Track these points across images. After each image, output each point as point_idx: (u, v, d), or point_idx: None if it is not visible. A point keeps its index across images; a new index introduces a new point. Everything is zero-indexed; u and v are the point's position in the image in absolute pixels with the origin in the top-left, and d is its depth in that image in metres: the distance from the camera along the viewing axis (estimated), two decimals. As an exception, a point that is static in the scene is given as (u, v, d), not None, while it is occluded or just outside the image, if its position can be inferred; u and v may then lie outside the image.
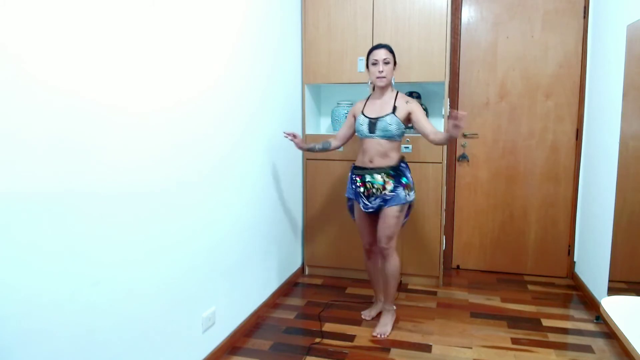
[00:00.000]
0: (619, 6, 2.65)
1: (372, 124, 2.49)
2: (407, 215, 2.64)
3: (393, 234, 2.52)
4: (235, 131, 2.40)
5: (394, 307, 2.71)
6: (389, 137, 2.48)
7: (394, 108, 2.48)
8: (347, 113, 3.34)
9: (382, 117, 2.48)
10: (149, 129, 1.75)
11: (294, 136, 2.71)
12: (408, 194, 2.52)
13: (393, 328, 2.64)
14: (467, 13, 3.41)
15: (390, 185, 2.49)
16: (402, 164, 2.56)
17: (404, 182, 2.50)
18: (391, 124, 2.46)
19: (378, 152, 2.51)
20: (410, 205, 2.61)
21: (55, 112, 1.34)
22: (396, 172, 2.51)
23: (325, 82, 3.33)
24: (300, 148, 2.76)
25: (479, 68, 3.43)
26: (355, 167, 2.61)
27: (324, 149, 2.76)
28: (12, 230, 1.23)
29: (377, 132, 2.48)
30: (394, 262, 2.58)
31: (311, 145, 2.77)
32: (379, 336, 2.55)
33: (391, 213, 2.49)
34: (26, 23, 1.24)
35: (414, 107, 2.48)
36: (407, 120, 2.51)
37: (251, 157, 2.59)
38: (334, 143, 2.75)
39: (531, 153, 3.41)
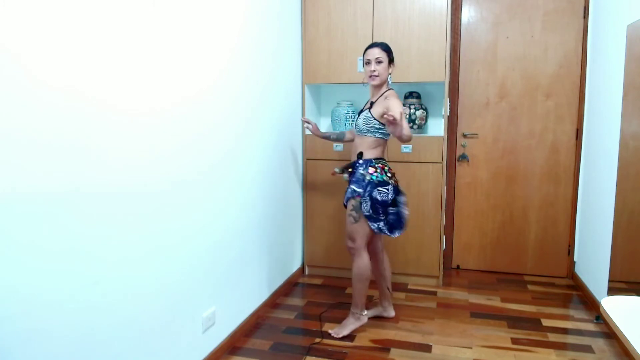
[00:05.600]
0: (619, 6, 2.65)
1: (356, 121, 2.58)
2: (400, 220, 2.52)
3: (352, 233, 2.48)
4: (235, 131, 2.40)
5: (363, 313, 2.57)
6: (359, 132, 2.53)
7: (371, 104, 2.51)
8: (347, 113, 3.37)
9: (361, 113, 2.56)
10: (149, 128, 1.75)
11: (309, 122, 2.88)
12: (355, 190, 2.45)
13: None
14: (467, 13, 3.41)
15: (349, 182, 2.55)
16: (359, 161, 2.50)
17: (354, 178, 2.48)
18: (361, 119, 2.50)
19: (354, 148, 2.57)
20: (386, 202, 2.45)
21: (55, 112, 1.34)
22: (353, 169, 2.53)
23: (325, 82, 3.33)
24: (315, 135, 2.91)
25: (479, 68, 3.43)
26: None
27: (338, 139, 2.88)
28: (12, 230, 1.23)
29: (356, 128, 2.57)
30: (357, 264, 2.50)
31: (327, 133, 2.91)
32: (332, 334, 2.53)
33: (347, 211, 2.52)
34: (26, 23, 1.24)
35: (390, 103, 2.39)
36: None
37: (251, 157, 2.59)
38: (348, 135, 2.84)
39: (531, 153, 3.41)
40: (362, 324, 2.59)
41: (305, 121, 2.95)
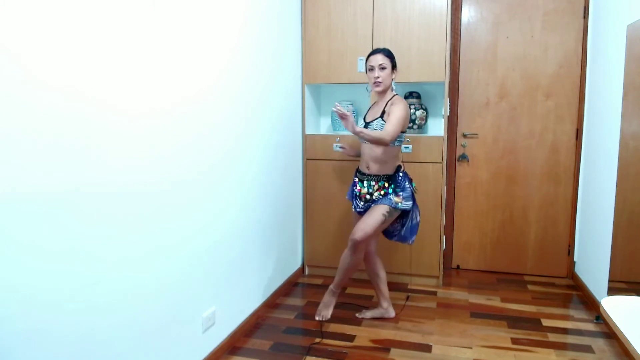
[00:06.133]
0: (619, 6, 2.65)
1: (365, 128, 2.51)
2: (413, 231, 2.64)
3: (371, 231, 2.48)
4: (235, 131, 2.40)
5: (338, 290, 2.68)
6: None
7: (383, 112, 2.50)
8: (347, 113, 3.38)
9: (372, 121, 2.52)
10: (149, 128, 1.75)
11: (344, 147, 2.82)
12: (400, 203, 2.49)
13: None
14: (467, 13, 3.41)
15: (382, 192, 2.53)
16: (400, 174, 2.54)
17: (398, 192, 2.51)
18: (376, 129, 2.47)
19: (372, 157, 2.53)
20: (413, 222, 2.62)
21: (55, 112, 1.34)
22: (392, 182, 2.52)
23: (325, 82, 3.33)
24: (350, 155, 2.83)
25: (479, 68, 3.42)
26: (357, 170, 2.65)
27: None
28: (12, 230, 1.23)
29: None
30: (356, 257, 2.54)
31: (358, 151, 2.81)
32: (321, 318, 2.62)
33: (378, 209, 2.49)
34: (27, 23, 1.24)
35: (393, 107, 2.43)
36: None
37: (251, 157, 2.59)
38: None
39: (531, 153, 3.41)
40: (336, 297, 2.70)
41: (341, 147, 2.84)
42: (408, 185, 2.54)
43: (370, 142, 2.39)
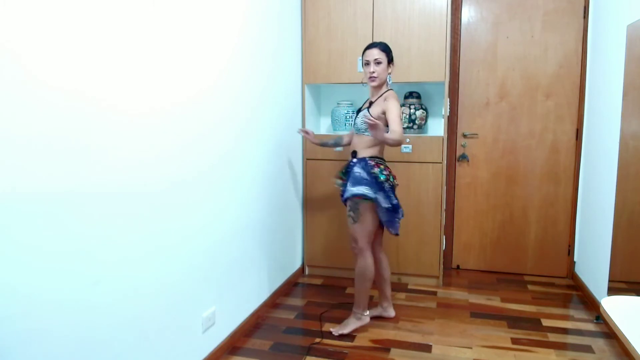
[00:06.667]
0: (619, 6, 2.65)
1: (354, 120, 2.57)
2: (393, 216, 2.52)
3: (353, 234, 2.50)
4: (235, 131, 2.40)
5: (365, 314, 2.59)
6: (357, 131, 2.53)
7: (370, 104, 2.50)
8: (347, 113, 3.37)
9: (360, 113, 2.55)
10: (149, 128, 1.75)
11: (307, 132, 2.85)
12: (357, 188, 2.41)
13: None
14: (467, 13, 3.41)
15: (343, 181, 2.55)
16: (352, 160, 2.51)
17: (352, 178, 2.45)
18: (360, 118, 2.49)
19: (352, 147, 2.58)
20: (390, 208, 2.46)
21: (55, 112, 1.34)
22: (347, 169, 2.54)
23: (325, 82, 3.33)
24: (313, 143, 2.89)
25: (479, 68, 3.42)
26: None
27: (336, 144, 2.85)
28: (12, 230, 1.23)
29: (354, 127, 2.57)
30: (359, 264, 2.52)
31: (324, 140, 2.88)
32: (333, 332, 2.55)
33: (347, 212, 2.53)
34: (27, 23, 1.24)
35: (389, 105, 2.40)
36: (385, 119, 2.43)
37: (251, 157, 2.59)
38: (346, 139, 2.82)
39: (531, 153, 3.41)
40: (364, 324, 2.60)
41: (303, 131, 2.88)
42: (365, 175, 2.42)
43: (393, 145, 2.33)
